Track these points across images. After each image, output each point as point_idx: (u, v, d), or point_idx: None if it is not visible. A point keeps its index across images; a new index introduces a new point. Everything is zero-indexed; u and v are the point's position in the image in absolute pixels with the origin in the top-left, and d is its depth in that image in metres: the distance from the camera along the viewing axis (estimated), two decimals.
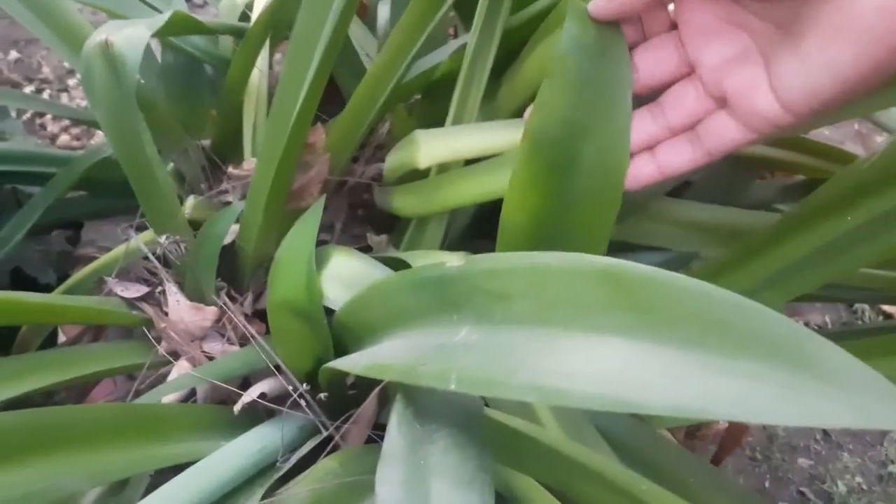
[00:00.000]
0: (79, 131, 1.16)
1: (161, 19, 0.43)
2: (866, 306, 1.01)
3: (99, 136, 1.15)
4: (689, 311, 0.21)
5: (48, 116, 1.18)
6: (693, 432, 0.60)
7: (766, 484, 0.86)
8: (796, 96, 0.27)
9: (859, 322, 1.01)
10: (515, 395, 0.23)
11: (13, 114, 0.91)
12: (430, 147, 0.39)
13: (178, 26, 0.46)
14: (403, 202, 0.44)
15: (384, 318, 0.32)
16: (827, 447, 0.90)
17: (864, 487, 0.87)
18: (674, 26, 0.32)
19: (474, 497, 0.25)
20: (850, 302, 0.98)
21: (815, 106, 0.27)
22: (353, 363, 0.31)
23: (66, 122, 1.17)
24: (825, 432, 0.91)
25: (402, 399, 0.29)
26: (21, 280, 0.67)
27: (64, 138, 1.14)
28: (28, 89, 1.23)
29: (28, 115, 1.17)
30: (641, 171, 0.33)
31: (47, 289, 0.67)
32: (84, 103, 1.22)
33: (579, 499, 0.31)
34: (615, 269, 0.23)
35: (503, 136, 0.38)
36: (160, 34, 0.43)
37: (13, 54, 1.27)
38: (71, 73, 1.27)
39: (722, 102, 0.31)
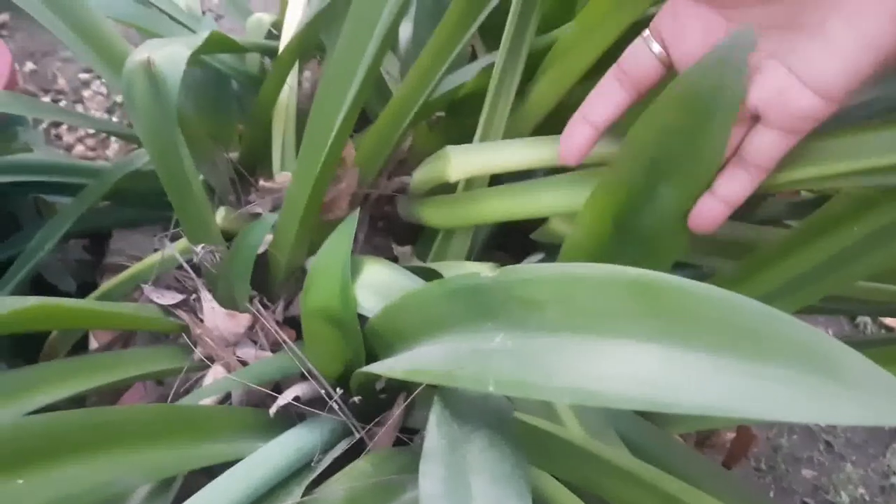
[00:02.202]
0: (94, 142, 1.18)
1: (200, 38, 0.44)
2: (868, 320, 1.02)
3: (114, 148, 1.17)
4: (715, 319, 0.23)
5: (64, 127, 1.20)
6: (703, 441, 0.61)
7: (771, 494, 0.87)
8: (835, 83, 0.28)
9: (862, 335, 1.03)
10: (552, 397, 0.25)
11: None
12: (460, 162, 0.41)
13: (215, 45, 0.48)
14: (432, 214, 0.46)
15: (418, 326, 0.33)
16: (830, 458, 0.91)
17: (867, 498, 0.88)
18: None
19: (512, 491, 0.26)
20: (852, 314, 1.00)
21: (856, 85, 0.28)
22: (391, 367, 0.32)
23: (82, 133, 1.18)
24: (828, 444, 0.92)
25: (439, 401, 0.31)
26: (41, 287, 0.68)
27: (79, 149, 1.16)
28: (44, 100, 1.25)
29: (44, 125, 1.19)
30: (712, 212, 0.33)
31: (67, 296, 0.68)
32: (98, 114, 1.24)
33: (605, 495, 0.33)
34: (645, 279, 0.25)
35: (528, 153, 0.40)
36: (197, 53, 0.45)
37: (29, 65, 1.29)
38: (86, 84, 1.29)
39: (752, 120, 0.31)
